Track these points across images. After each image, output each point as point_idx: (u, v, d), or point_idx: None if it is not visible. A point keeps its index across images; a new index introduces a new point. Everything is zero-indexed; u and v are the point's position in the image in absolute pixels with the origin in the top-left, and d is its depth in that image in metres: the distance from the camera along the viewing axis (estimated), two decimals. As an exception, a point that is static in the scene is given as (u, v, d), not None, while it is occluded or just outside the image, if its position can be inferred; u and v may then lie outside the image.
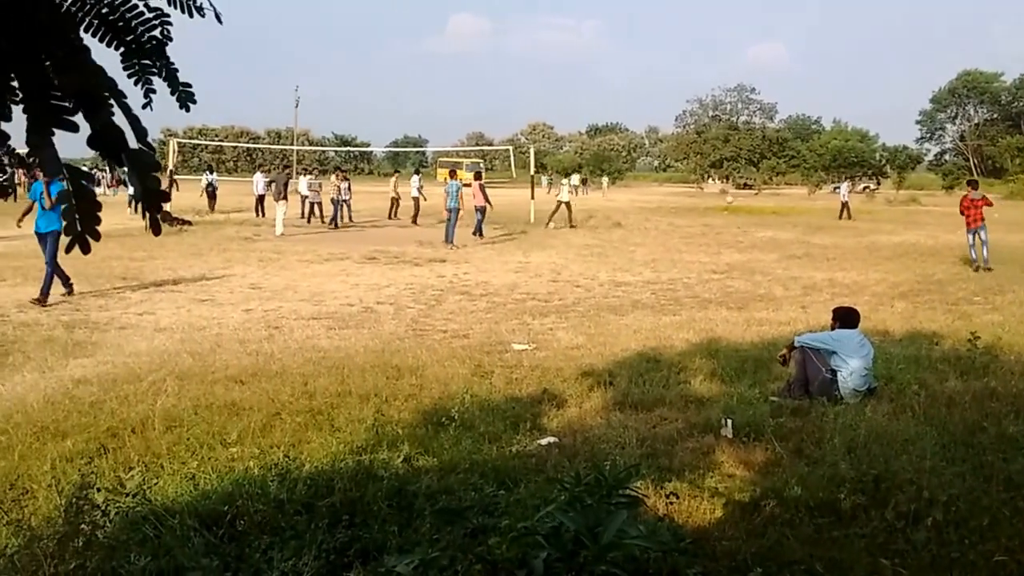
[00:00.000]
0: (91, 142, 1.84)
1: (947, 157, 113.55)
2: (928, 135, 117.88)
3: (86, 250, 1.89)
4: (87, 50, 1.97)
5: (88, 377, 8.62)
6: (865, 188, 75.70)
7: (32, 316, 12.12)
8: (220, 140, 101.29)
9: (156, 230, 2.04)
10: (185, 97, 2.39)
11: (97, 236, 1.88)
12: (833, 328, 8.46)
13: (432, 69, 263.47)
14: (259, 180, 35.74)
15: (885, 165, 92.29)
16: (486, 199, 26.21)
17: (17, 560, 4.21)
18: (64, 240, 1.88)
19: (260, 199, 34.03)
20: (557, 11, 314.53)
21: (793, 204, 52.88)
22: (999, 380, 8.42)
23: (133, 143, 1.94)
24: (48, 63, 1.85)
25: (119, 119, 1.92)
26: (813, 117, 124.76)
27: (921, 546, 4.57)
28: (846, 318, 8.42)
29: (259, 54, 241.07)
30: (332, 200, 29.68)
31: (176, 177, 35.30)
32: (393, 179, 36.09)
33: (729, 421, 6.90)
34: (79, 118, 1.85)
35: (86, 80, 1.87)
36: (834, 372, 7.90)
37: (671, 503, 5.11)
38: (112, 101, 1.93)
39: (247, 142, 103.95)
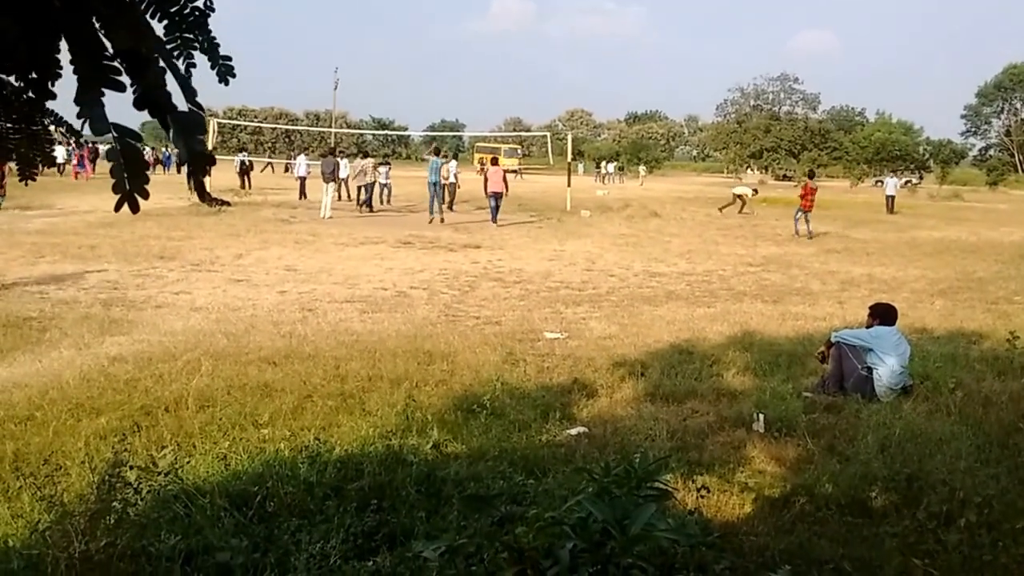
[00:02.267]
0: (138, 103, 1.83)
1: (992, 152, 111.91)
2: (973, 130, 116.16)
3: (135, 208, 1.86)
4: (136, 7, 1.95)
5: (124, 355, 8.68)
6: (907, 182, 74.50)
7: (70, 294, 12.26)
8: (259, 121, 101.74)
9: (201, 195, 2.03)
10: (225, 71, 2.36)
11: (146, 195, 1.86)
12: (870, 325, 8.35)
13: (472, 53, 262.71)
14: (302, 162, 35.71)
15: (929, 159, 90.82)
16: (505, 184, 26.60)
17: (49, 536, 4.25)
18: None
19: (303, 181, 34.08)
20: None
21: (834, 197, 52.05)
22: (1037, 381, 8.28)
23: (183, 105, 1.93)
24: (96, 21, 1.84)
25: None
26: (857, 108, 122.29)
27: (953, 547, 4.50)
28: (884, 315, 8.31)
29: (299, 35, 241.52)
30: (365, 185, 29.59)
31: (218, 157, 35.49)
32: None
33: (761, 416, 6.84)
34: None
35: (134, 39, 1.85)
36: (870, 369, 7.80)
37: (701, 497, 5.07)
38: (161, 61, 1.92)
39: (286, 124, 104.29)
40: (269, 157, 67.67)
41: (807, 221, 25.05)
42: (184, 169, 2.04)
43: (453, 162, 33.59)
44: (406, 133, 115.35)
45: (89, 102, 1.77)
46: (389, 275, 15.26)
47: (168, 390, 7.36)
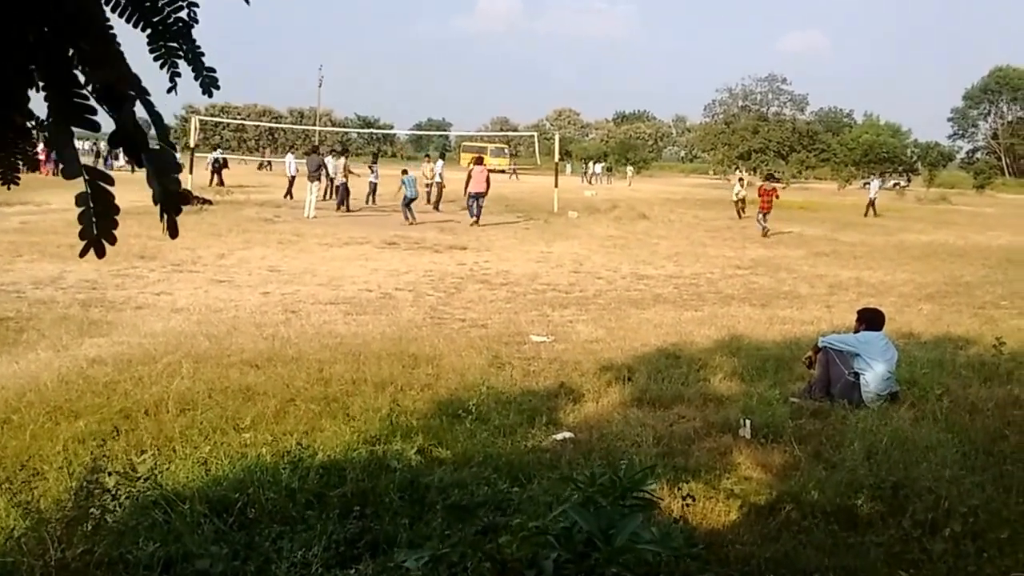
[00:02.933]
0: (112, 140, 1.79)
1: (979, 155, 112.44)
2: (960, 132, 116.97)
3: (101, 254, 1.84)
4: (114, 42, 1.91)
5: (103, 357, 8.58)
6: (895, 185, 74.47)
7: (48, 293, 12.12)
8: (242, 118, 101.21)
9: (173, 233, 1.97)
10: (209, 82, 2.36)
11: (113, 240, 1.82)
12: (858, 330, 8.34)
13: (459, 51, 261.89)
14: (291, 161, 35.43)
15: (916, 162, 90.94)
16: (487, 184, 26.70)
17: (24, 543, 4.19)
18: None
19: (292, 181, 33.81)
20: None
21: (822, 199, 52.30)
22: (1023, 388, 8.29)
23: (154, 142, 1.90)
24: (73, 55, 1.80)
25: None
26: (845, 110, 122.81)
27: (938, 557, 4.49)
28: (872, 320, 8.29)
29: (283, 32, 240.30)
30: (339, 185, 29.42)
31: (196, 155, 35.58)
32: (427, 165, 34.07)
33: (748, 421, 6.82)
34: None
35: (112, 75, 1.81)
36: (857, 375, 7.78)
37: (687, 505, 5.03)
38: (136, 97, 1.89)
39: (269, 121, 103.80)
40: (267, 156, 67.84)
41: (765, 220, 26.83)
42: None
43: (439, 162, 33.48)
44: (392, 132, 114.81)
45: (61, 143, 1.73)
46: (374, 276, 15.19)
47: (148, 393, 7.27)
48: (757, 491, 5.63)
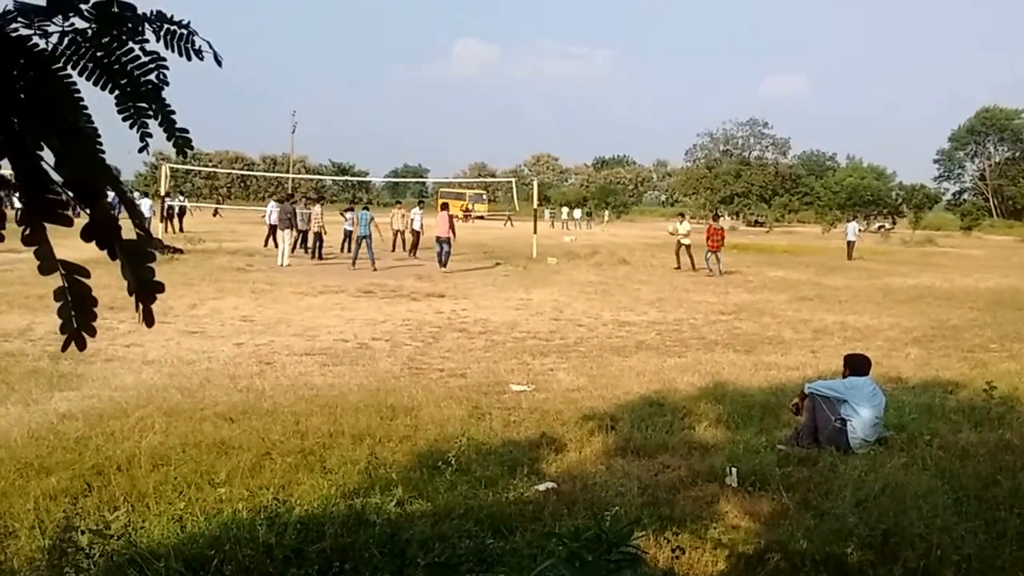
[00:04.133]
0: (85, 233, 1.75)
1: (966, 196, 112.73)
2: (946, 174, 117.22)
3: (82, 347, 1.85)
4: (86, 134, 1.89)
5: (73, 411, 8.44)
6: (880, 228, 74.70)
7: (16, 346, 11.90)
8: (213, 165, 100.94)
9: (149, 322, 1.93)
10: (182, 143, 2.34)
11: (93, 332, 1.85)
12: (844, 375, 8.30)
13: (434, 97, 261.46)
14: (272, 210, 35.17)
15: (902, 204, 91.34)
16: (452, 230, 26.95)
17: (-5, 605, 4.05)
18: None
19: (272, 229, 33.38)
20: (568, 39, 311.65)
21: (806, 243, 52.47)
22: (1015, 432, 8.25)
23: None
24: (43, 149, 1.76)
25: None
26: (828, 153, 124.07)
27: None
28: (857, 366, 8.26)
29: (255, 78, 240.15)
30: (314, 234, 29.32)
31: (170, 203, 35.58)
32: (397, 211, 34.21)
33: (734, 470, 6.73)
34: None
35: (84, 171, 1.78)
36: (844, 421, 7.71)
37: (676, 557, 4.93)
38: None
39: (241, 168, 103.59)
40: (217, 204, 68.78)
41: (718, 260, 27.66)
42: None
43: (416, 209, 33.45)
44: (367, 179, 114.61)
45: (35, 240, 1.70)
46: (350, 326, 15.02)
47: (120, 448, 7.14)
48: (745, 540, 5.54)
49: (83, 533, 4.84)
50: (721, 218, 38.09)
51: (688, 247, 29.49)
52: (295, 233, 29.23)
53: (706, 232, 28.41)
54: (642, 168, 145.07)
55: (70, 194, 1.72)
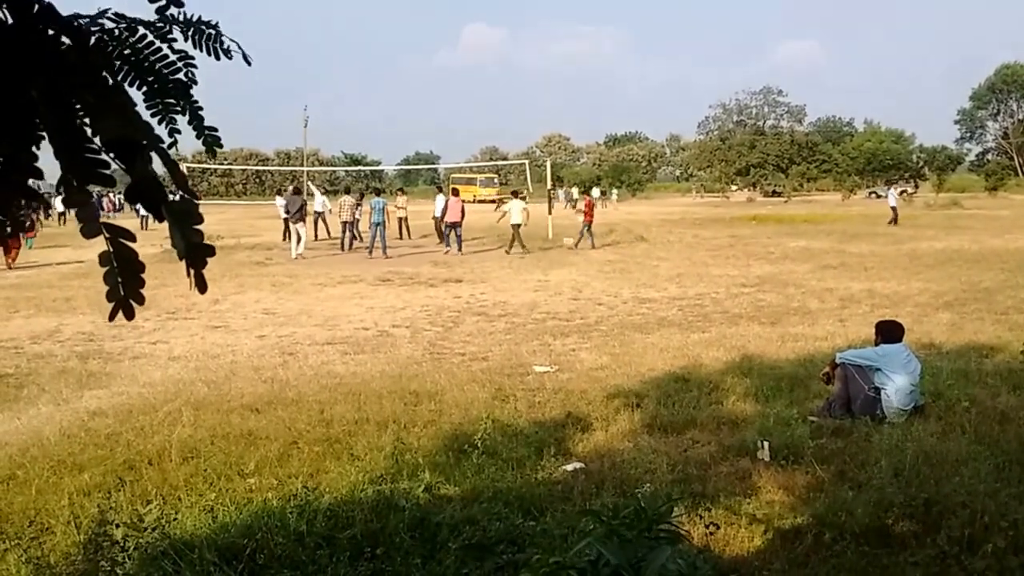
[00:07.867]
0: (129, 194, 1.67)
1: (990, 157, 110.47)
2: (969, 134, 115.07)
3: (130, 315, 1.74)
4: (121, 91, 1.81)
5: (103, 408, 8.53)
6: (903, 192, 74.05)
7: (46, 347, 12.04)
8: (229, 163, 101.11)
9: (202, 288, 1.83)
10: (212, 141, 2.31)
11: (141, 300, 1.72)
12: (876, 343, 8.10)
13: (444, 83, 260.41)
14: (282, 203, 35.08)
15: (923, 167, 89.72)
16: (462, 215, 27.03)
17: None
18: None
19: (287, 222, 33.31)
20: (576, 18, 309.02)
21: (826, 211, 51.39)
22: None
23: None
24: (79, 109, 1.68)
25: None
26: (844, 118, 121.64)
27: (980, 574, 4.34)
28: (890, 332, 8.05)
29: (267, 74, 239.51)
30: (346, 222, 29.06)
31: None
32: (401, 198, 34.43)
33: (766, 443, 6.64)
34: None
35: (122, 127, 1.69)
36: (878, 390, 7.59)
37: (710, 533, 4.90)
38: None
39: (256, 164, 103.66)
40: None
41: (591, 234, 28.32)
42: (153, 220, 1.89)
43: (440, 196, 33.29)
44: (380, 168, 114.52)
45: (79, 203, 1.62)
46: (370, 314, 15.02)
47: (150, 442, 7.19)
48: (781, 515, 5.47)
49: (117, 527, 4.92)
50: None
51: (517, 227, 27.15)
52: (308, 224, 28.95)
53: (584, 206, 29.89)
54: (655, 144, 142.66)
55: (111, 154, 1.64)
